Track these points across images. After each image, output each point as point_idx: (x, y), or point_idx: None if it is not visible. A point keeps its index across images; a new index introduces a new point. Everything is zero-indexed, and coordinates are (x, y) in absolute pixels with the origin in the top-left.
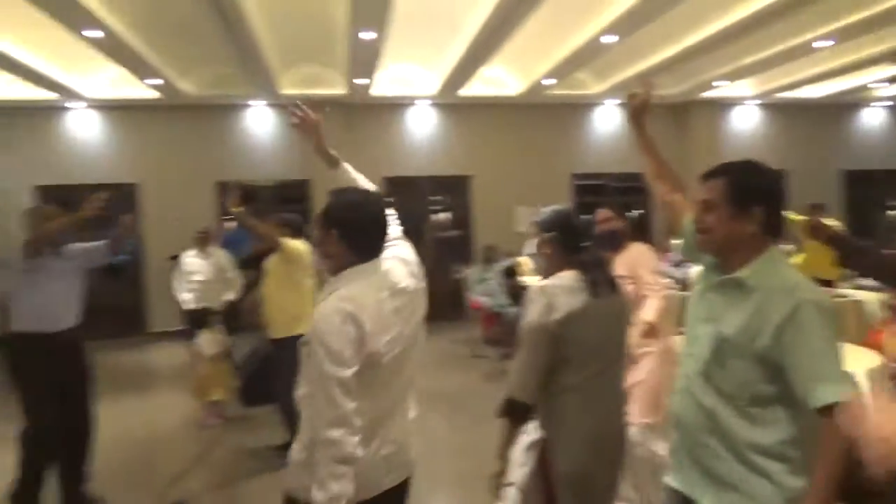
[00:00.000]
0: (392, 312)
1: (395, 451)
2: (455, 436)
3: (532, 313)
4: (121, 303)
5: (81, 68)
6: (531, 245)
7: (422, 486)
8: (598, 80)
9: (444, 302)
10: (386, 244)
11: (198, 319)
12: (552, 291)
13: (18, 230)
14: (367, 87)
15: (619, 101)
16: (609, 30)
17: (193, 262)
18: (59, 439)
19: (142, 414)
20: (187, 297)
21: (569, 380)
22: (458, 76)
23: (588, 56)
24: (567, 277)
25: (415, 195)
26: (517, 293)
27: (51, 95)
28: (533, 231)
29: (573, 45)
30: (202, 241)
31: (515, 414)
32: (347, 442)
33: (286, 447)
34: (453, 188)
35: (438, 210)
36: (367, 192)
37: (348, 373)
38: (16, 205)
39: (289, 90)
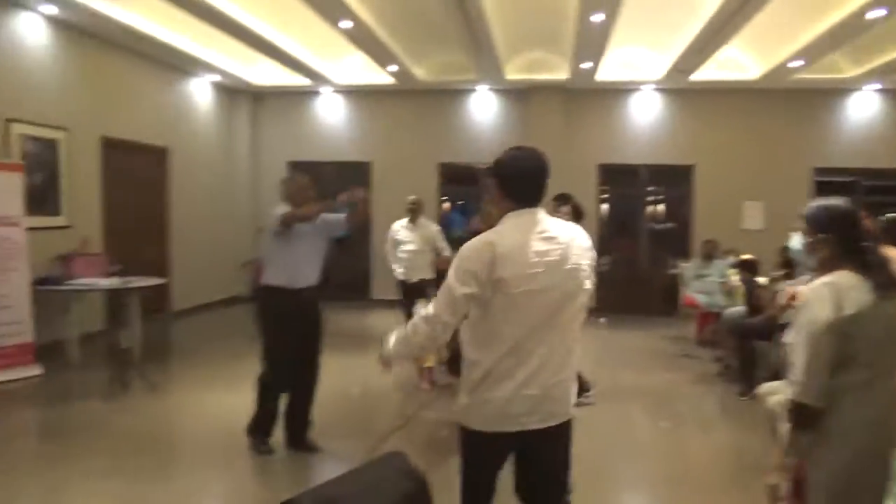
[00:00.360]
0: (535, 253)
1: (541, 394)
2: (659, 437)
3: (816, 311)
4: (349, 271)
5: (332, 56)
6: (796, 239)
7: (622, 483)
8: (856, 63)
9: (657, 297)
10: (540, 196)
11: (412, 291)
12: (838, 288)
13: (277, 198)
14: (591, 71)
15: (880, 87)
16: (879, 2)
17: (403, 231)
18: (289, 383)
19: (360, 372)
20: (399, 270)
21: (847, 380)
22: (690, 59)
23: (848, 34)
24: (848, 276)
25: (631, 184)
26: (751, 290)
27: (306, 82)
28: (801, 226)
29: (830, 22)
30: (413, 212)
31: (804, 420)
32: (424, 332)
33: None
34: (673, 178)
35: (655, 200)
36: (528, 149)
37: (463, 290)
38: (274, 179)
39: (513, 75)
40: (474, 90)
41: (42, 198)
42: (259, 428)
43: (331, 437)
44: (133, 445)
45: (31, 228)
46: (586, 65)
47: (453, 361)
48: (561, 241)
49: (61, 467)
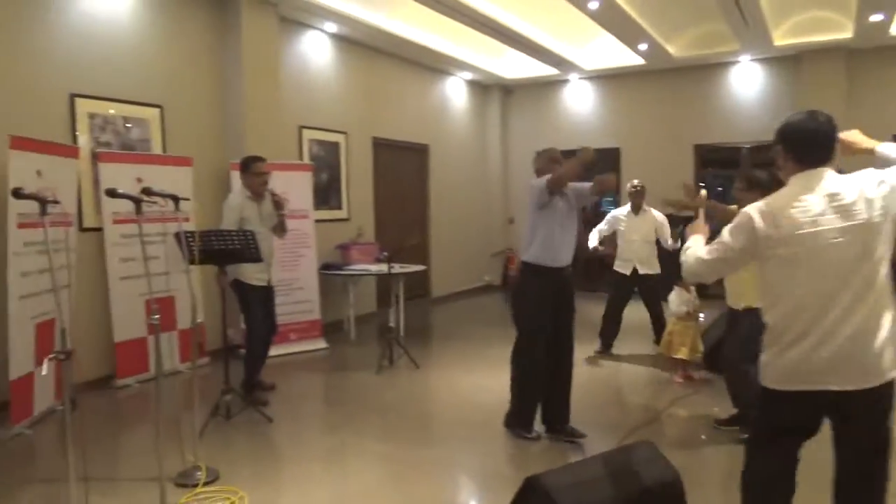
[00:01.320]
0: (816, 213)
1: (839, 355)
2: None
3: None
4: (594, 260)
5: (579, 42)
6: None
7: None
8: None
9: None
10: (824, 157)
11: (628, 285)
12: None
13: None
14: (883, 25)
15: None
16: None
17: (626, 220)
18: (546, 368)
19: (610, 363)
20: (618, 262)
21: None
22: None
23: None
24: None
25: None
26: None
27: (553, 71)
28: None
29: None
30: (635, 199)
31: None
32: (691, 256)
33: (731, 422)
34: None
35: None
36: (814, 111)
37: (732, 243)
38: (523, 170)
39: (783, 41)
40: (736, 62)
41: (326, 194)
42: (520, 420)
43: (581, 424)
44: (398, 414)
45: (318, 221)
46: (876, 17)
47: (710, 355)
48: (846, 198)
49: (340, 429)
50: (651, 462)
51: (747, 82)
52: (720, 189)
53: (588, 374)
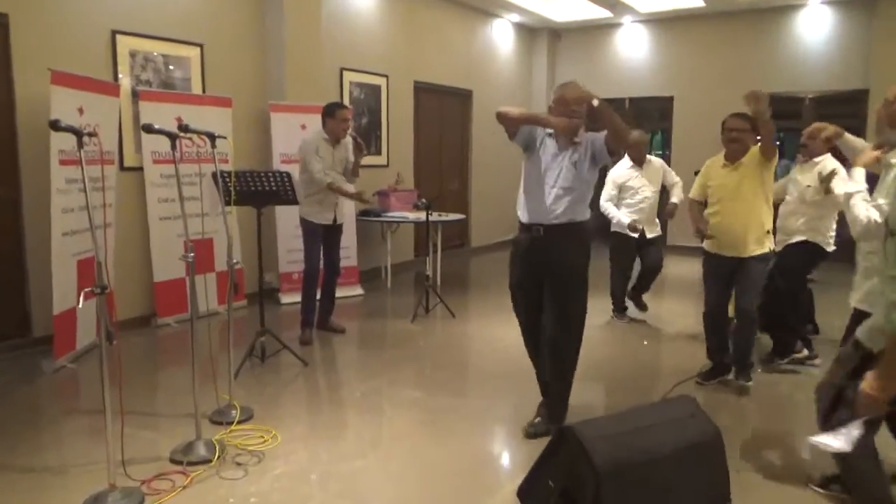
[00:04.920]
0: None
1: None
2: None
3: None
4: None
5: None
6: None
7: None
8: None
9: None
10: None
11: (630, 248)
12: None
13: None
14: None
15: None
16: None
17: (630, 175)
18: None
19: (656, 320)
20: (625, 221)
21: None
22: None
23: None
24: None
25: None
26: None
27: (606, 14)
28: None
29: None
30: (637, 150)
31: None
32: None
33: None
34: None
35: None
36: None
37: None
38: None
39: None
40: (804, 5)
41: (367, 139)
42: None
43: (613, 390)
44: (432, 362)
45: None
46: None
47: (762, 312)
48: None
49: (374, 375)
50: (690, 418)
51: (815, 27)
52: (779, 143)
53: (620, 335)
